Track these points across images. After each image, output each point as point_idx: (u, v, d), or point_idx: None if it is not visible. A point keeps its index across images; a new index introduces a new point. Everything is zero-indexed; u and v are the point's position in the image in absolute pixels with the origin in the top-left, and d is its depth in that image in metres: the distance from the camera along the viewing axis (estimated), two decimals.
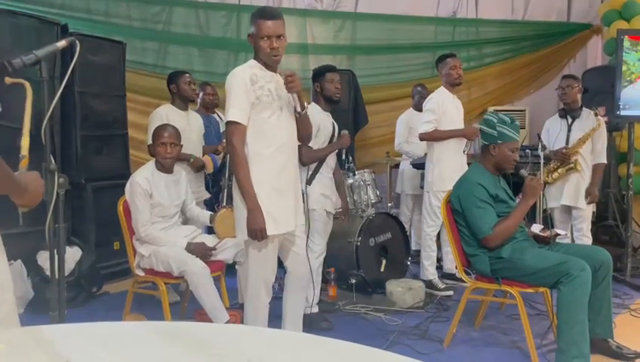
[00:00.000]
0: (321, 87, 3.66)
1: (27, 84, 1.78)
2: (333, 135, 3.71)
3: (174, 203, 3.41)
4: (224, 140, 4.47)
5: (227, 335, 1.26)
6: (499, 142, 3.11)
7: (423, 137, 4.33)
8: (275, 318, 2.86)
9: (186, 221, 3.61)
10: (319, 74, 3.69)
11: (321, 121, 3.58)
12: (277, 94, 2.65)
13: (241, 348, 1.17)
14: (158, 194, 3.30)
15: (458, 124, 4.32)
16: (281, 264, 2.84)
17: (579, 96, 4.37)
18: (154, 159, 3.41)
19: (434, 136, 4.26)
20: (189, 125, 4.08)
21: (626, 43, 4.67)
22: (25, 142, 1.73)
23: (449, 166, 4.22)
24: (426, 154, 4.51)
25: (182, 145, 3.48)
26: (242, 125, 2.57)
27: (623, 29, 5.20)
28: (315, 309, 3.62)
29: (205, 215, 3.56)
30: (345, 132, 3.73)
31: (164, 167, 3.37)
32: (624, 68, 4.66)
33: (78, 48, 1.93)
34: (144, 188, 3.23)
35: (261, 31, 2.58)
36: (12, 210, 1.65)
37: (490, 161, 3.17)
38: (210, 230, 3.74)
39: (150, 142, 3.47)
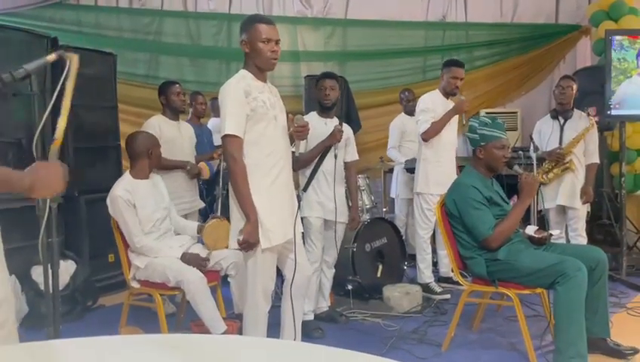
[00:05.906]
0: (315, 93, 3.74)
1: (74, 57, 1.79)
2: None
3: (160, 206, 3.38)
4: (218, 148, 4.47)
5: (226, 346, 1.25)
6: (482, 143, 3.15)
7: (429, 135, 4.19)
8: (274, 326, 2.85)
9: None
10: (316, 82, 3.77)
11: (314, 127, 3.58)
12: (270, 104, 2.64)
13: (240, 358, 1.16)
14: (141, 201, 3.27)
15: (452, 127, 4.31)
16: (279, 272, 2.83)
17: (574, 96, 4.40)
18: (128, 170, 3.41)
19: (435, 129, 4.16)
20: (181, 135, 4.08)
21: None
22: (62, 122, 1.72)
23: (436, 170, 4.23)
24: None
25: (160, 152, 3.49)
26: (239, 138, 2.55)
27: (612, 29, 5.25)
28: (310, 317, 3.60)
29: (192, 226, 3.48)
30: (337, 127, 3.63)
31: (142, 173, 3.35)
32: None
33: (68, 61, 1.92)
34: (125, 199, 3.21)
35: (261, 34, 2.57)
36: (5, 225, 1.64)
37: (481, 163, 3.20)
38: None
39: None
